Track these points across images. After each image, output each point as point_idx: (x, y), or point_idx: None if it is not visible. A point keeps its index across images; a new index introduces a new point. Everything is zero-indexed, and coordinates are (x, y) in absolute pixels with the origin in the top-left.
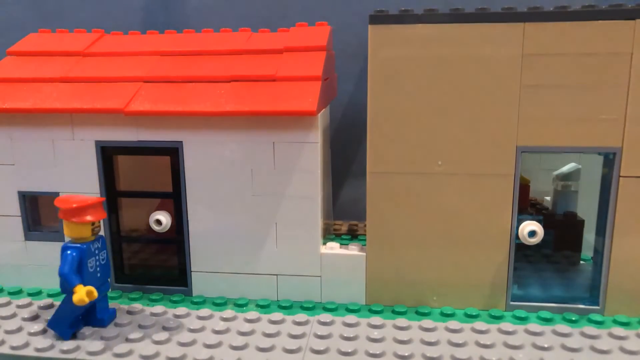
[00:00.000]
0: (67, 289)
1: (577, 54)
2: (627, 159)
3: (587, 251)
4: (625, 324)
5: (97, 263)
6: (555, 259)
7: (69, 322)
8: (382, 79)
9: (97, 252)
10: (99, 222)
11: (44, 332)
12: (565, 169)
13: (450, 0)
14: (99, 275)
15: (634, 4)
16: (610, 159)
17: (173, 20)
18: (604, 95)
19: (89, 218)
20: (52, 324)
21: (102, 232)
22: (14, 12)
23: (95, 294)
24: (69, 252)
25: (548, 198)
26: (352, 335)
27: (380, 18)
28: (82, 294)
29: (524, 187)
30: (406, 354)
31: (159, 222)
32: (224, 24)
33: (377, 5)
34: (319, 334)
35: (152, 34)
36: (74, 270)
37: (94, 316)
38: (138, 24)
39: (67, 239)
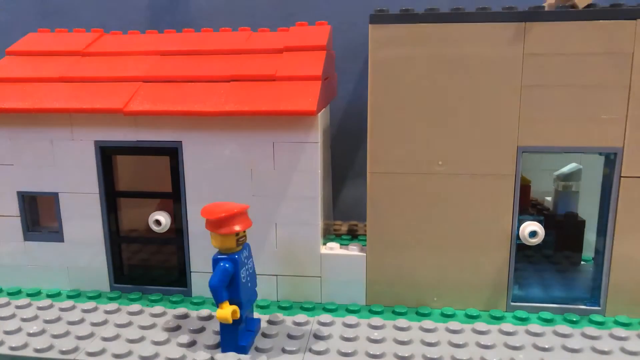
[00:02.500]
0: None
1: (577, 54)
2: (628, 159)
3: (588, 252)
4: (626, 325)
5: (247, 272)
6: (556, 260)
7: (237, 336)
8: (382, 78)
9: (246, 260)
10: (245, 232)
11: (42, 332)
12: (566, 169)
13: None
14: (249, 285)
15: (635, 3)
16: (611, 159)
17: (178, 19)
18: (604, 95)
19: (236, 228)
20: (225, 347)
21: (101, 233)
22: (16, 11)
23: (238, 314)
24: (222, 264)
25: (549, 198)
26: (352, 336)
27: (380, 17)
28: (228, 313)
29: (525, 188)
30: (406, 355)
31: (158, 222)
32: (228, 23)
33: (378, 4)
34: (318, 334)
35: (151, 34)
36: (225, 284)
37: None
38: (143, 24)
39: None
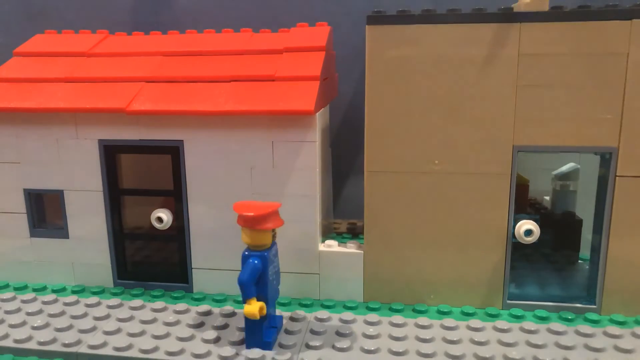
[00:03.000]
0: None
1: (573, 54)
2: (624, 158)
3: (586, 250)
4: (621, 323)
5: (274, 270)
6: (554, 258)
7: (262, 332)
8: (379, 79)
9: (274, 258)
10: (275, 230)
11: (46, 326)
12: (564, 168)
13: (447, 1)
14: (275, 282)
15: (630, 4)
16: (606, 159)
17: (162, 20)
18: (600, 95)
19: (270, 225)
20: (250, 343)
21: (105, 230)
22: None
23: (265, 311)
24: (252, 260)
25: (548, 198)
26: (347, 332)
27: (377, 18)
28: (256, 309)
29: (523, 187)
30: (400, 351)
31: (160, 219)
32: (213, 24)
33: (378, 5)
34: (315, 330)
35: (154, 35)
36: (254, 280)
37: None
38: (126, 24)
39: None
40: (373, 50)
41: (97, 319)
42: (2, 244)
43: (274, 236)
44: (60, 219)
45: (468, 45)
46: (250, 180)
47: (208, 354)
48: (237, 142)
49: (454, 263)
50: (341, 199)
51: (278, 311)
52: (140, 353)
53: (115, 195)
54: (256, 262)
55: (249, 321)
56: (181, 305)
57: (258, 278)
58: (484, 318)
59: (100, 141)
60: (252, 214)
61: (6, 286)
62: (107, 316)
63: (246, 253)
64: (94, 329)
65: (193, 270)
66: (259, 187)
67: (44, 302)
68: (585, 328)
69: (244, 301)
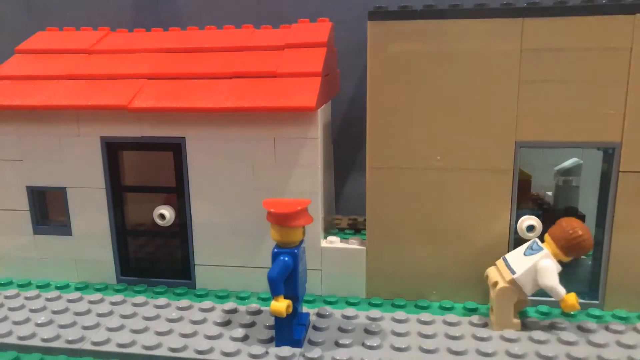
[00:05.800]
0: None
1: (576, 49)
2: (627, 153)
3: None
4: (623, 319)
5: (303, 267)
6: None
7: (292, 330)
8: (381, 74)
9: (302, 255)
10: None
11: (50, 323)
12: (567, 164)
13: None
14: (303, 280)
15: None
16: (609, 154)
17: (163, 17)
18: (603, 90)
19: (301, 222)
20: (280, 341)
21: (107, 226)
22: (1, 9)
23: (290, 309)
24: (282, 257)
25: (550, 193)
26: (350, 328)
27: (379, 14)
28: (283, 307)
29: (525, 182)
30: (403, 346)
31: (162, 216)
32: (214, 21)
33: (380, 1)
34: (317, 326)
35: (156, 31)
36: (284, 278)
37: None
38: (127, 21)
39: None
40: (375, 46)
41: (100, 315)
42: (5, 241)
43: (303, 233)
44: (63, 216)
45: (470, 41)
46: (252, 177)
47: (211, 350)
48: (239, 138)
49: (456, 258)
50: (343, 195)
51: (304, 308)
52: (144, 349)
53: (118, 192)
54: (287, 259)
55: (279, 319)
56: (184, 302)
57: (288, 276)
58: (487, 314)
59: (102, 138)
60: (284, 211)
61: (10, 283)
62: (111, 313)
63: (276, 250)
64: (97, 325)
65: (196, 266)
66: (261, 184)
67: (48, 299)
68: (588, 324)
69: (273, 297)
